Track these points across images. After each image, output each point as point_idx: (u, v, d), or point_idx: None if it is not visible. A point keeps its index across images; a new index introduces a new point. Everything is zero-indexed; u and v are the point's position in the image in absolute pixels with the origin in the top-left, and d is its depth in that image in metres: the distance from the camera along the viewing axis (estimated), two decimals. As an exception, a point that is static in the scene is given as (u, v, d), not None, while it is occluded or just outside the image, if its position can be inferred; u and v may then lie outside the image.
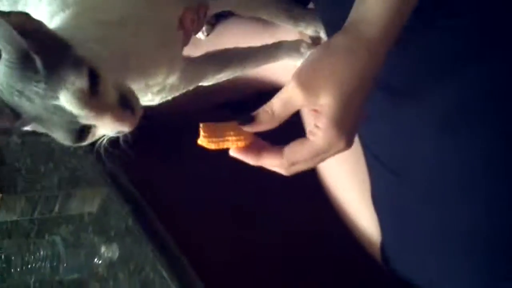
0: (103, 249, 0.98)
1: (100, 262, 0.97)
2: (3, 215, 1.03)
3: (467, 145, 0.82)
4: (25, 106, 0.64)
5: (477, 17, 0.80)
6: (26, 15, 0.65)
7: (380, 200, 0.94)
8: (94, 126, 0.68)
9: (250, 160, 0.68)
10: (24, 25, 0.62)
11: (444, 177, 0.84)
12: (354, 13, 0.68)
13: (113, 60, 0.70)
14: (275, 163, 0.68)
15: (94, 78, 0.65)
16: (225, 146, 0.68)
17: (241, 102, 1.12)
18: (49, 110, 0.64)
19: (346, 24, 0.67)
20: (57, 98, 0.63)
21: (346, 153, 0.91)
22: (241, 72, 0.97)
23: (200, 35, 1.12)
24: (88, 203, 1.02)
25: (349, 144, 0.66)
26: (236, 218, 1.10)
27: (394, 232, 0.93)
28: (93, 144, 1.01)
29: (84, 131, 0.68)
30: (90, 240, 0.99)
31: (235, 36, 1.10)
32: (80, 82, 0.63)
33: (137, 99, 0.71)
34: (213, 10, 0.91)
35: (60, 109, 0.64)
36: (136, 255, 0.92)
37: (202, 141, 0.66)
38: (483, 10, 0.80)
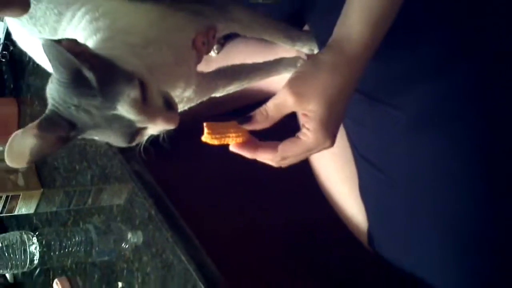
0: (129, 235, 1.01)
1: (127, 246, 1.01)
2: (44, 207, 1.12)
3: (434, 143, 0.87)
4: (83, 118, 0.69)
5: (450, 31, 0.85)
6: (74, 40, 0.70)
7: (367, 192, 1.00)
8: (145, 127, 0.73)
9: (247, 154, 0.75)
10: (73, 49, 0.67)
11: (415, 172, 0.89)
12: (338, 31, 0.75)
13: (146, 71, 0.74)
14: (268, 157, 0.75)
15: (142, 87, 0.70)
16: (226, 142, 0.74)
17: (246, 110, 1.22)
18: (108, 119, 0.69)
19: (331, 41, 0.74)
20: (115, 108, 0.68)
21: (337, 151, 1.01)
22: (247, 84, 1.02)
23: (212, 53, 1.18)
24: (116, 196, 1.06)
25: (333, 142, 0.74)
26: (242, 209, 1.15)
27: (378, 220, 0.98)
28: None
29: (135, 133, 0.73)
30: (118, 228, 1.02)
31: (241, 54, 1.15)
32: (134, 93, 0.69)
33: (175, 100, 0.77)
34: (221, 33, 0.96)
35: (118, 117, 0.69)
36: (157, 240, 0.95)
37: (206, 137, 0.72)
38: (454, 25, 0.86)
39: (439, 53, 0.86)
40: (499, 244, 0.87)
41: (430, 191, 0.89)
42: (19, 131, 0.68)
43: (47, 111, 0.71)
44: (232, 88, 1.00)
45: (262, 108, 0.73)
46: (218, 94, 0.99)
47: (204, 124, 0.73)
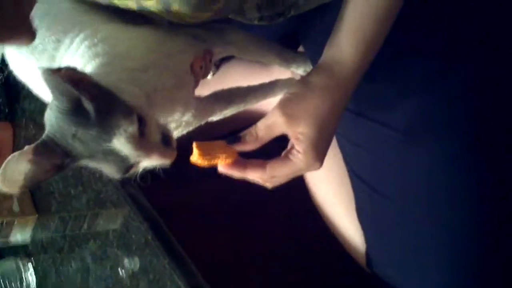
0: (126, 261, 0.99)
1: (123, 272, 0.99)
2: (39, 233, 1.11)
3: (428, 157, 0.87)
4: (78, 147, 0.68)
5: (439, 42, 0.87)
6: (73, 68, 0.69)
7: (364, 213, 0.99)
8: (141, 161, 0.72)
9: (236, 173, 0.75)
10: (72, 77, 0.66)
11: (410, 189, 0.89)
12: (328, 53, 0.75)
13: (145, 99, 0.75)
14: (257, 175, 0.74)
15: (140, 122, 0.69)
16: (215, 163, 0.73)
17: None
18: (103, 151, 0.68)
19: (321, 62, 0.75)
20: (110, 141, 0.67)
21: (333, 173, 1.01)
22: (244, 107, 1.02)
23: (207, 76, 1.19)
24: (112, 221, 1.04)
25: (322, 163, 0.75)
26: (239, 233, 1.14)
27: (376, 240, 0.98)
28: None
29: (130, 166, 0.72)
30: (114, 253, 1.01)
31: (237, 76, 1.15)
32: (132, 128, 0.68)
33: (173, 135, 0.76)
34: (218, 56, 0.96)
35: (113, 150, 0.68)
36: (154, 266, 0.94)
37: (198, 158, 0.72)
38: (442, 37, 0.86)
39: (427, 66, 0.87)
40: (501, 257, 0.88)
41: (427, 208, 0.89)
42: (14, 155, 0.67)
43: (43, 136, 0.70)
44: (229, 112, 0.99)
45: (252, 129, 0.74)
46: (215, 118, 0.98)
47: (194, 144, 0.72)
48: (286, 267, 1.14)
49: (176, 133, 0.89)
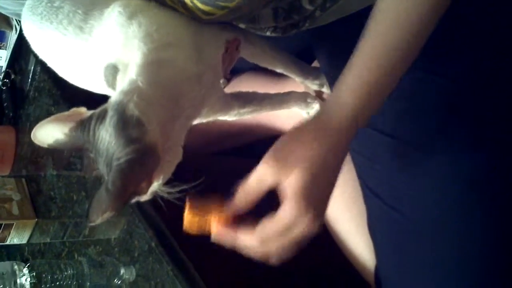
0: (122, 271, 0.98)
1: (119, 282, 0.98)
2: (37, 237, 1.10)
3: (443, 173, 0.86)
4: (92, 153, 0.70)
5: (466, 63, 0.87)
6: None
7: (377, 229, 0.97)
8: None
9: (228, 242, 0.70)
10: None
11: (423, 205, 0.88)
12: (330, 97, 0.73)
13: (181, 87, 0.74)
14: (247, 242, 0.68)
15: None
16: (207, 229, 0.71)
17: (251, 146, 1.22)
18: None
19: (322, 106, 0.75)
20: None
21: (346, 188, 1.00)
22: (259, 111, 1.01)
23: (218, 87, 1.22)
24: (113, 228, 1.03)
25: (318, 218, 0.67)
26: None
27: (389, 258, 0.95)
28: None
29: None
30: (112, 262, 1.00)
31: (248, 88, 1.10)
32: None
33: None
34: (241, 52, 0.94)
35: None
36: (157, 273, 0.93)
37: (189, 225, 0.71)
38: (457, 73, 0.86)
39: (438, 83, 0.87)
40: None
41: (441, 226, 0.87)
42: (54, 119, 0.72)
43: (91, 114, 0.70)
44: (245, 112, 0.98)
45: (242, 187, 0.68)
46: (231, 117, 0.97)
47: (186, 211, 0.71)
48: (290, 280, 1.11)
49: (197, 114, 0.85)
